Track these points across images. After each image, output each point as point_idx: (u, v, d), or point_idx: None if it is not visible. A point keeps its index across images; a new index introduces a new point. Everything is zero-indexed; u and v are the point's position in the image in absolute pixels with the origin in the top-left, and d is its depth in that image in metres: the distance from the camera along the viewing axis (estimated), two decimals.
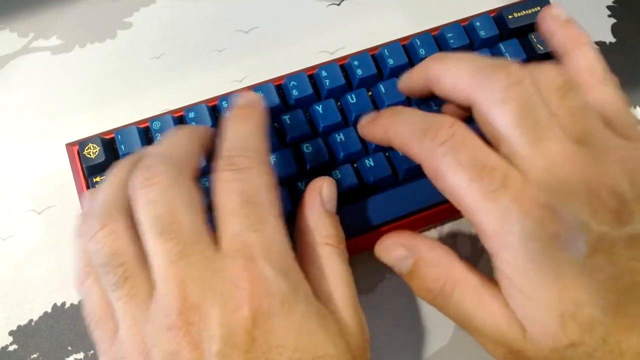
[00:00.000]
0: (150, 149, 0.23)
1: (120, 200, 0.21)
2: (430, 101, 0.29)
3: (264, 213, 0.20)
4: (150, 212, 0.19)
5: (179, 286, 0.18)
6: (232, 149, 0.22)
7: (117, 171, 0.22)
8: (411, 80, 0.26)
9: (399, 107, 0.25)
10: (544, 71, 0.22)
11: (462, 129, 0.21)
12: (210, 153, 0.24)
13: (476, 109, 0.22)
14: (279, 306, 0.19)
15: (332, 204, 0.24)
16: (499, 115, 0.20)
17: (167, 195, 0.20)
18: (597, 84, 0.23)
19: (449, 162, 0.20)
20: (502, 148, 0.21)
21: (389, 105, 0.29)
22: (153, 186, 0.20)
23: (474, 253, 0.30)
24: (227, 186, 0.21)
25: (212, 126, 0.29)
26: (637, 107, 0.34)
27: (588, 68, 0.23)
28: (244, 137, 0.22)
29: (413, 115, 0.23)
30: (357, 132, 0.29)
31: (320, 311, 0.20)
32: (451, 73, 0.23)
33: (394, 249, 0.23)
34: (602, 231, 0.18)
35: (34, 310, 0.29)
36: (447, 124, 0.21)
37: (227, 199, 0.20)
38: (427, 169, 0.22)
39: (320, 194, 0.24)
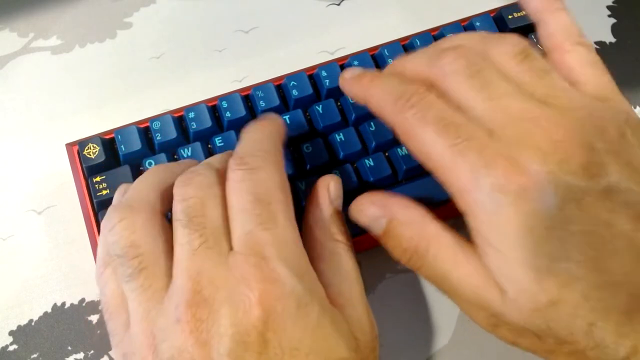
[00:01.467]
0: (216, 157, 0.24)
1: (148, 197, 0.22)
2: None
3: (275, 212, 0.21)
4: (183, 206, 0.20)
5: (193, 279, 0.19)
6: (245, 149, 0.22)
7: (152, 171, 0.24)
8: (354, 91, 0.26)
9: (382, 72, 0.25)
10: (501, 41, 0.22)
11: (432, 95, 0.21)
12: None
13: (437, 89, 0.22)
14: (293, 308, 0.19)
15: (339, 201, 0.24)
16: (452, 85, 0.21)
17: (200, 193, 0.21)
18: (571, 46, 0.23)
19: (417, 120, 0.21)
20: (467, 114, 0.21)
21: None
22: (191, 184, 0.21)
23: None
24: (238, 185, 0.21)
25: (211, 126, 0.29)
26: (638, 107, 0.34)
27: (562, 32, 0.23)
28: (257, 140, 0.23)
29: (391, 81, 0.23)
30: (357, 132, 0.29)
31: (333, 313, 0.20)
32: (411, 65, 0.24)
33: (367, 208, 0.23)
34: (571, 181, 0.18)
35: (33, 310, 0.29)
36: (420, 90, 0.22)
37: (238, 197, 0.21)
38: (399, 129, 0.22)
39: (328, 192, 0.24)
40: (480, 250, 0.20)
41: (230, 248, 0.20)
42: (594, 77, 0.22)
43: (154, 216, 0.21)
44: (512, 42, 0.22)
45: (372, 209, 0.23)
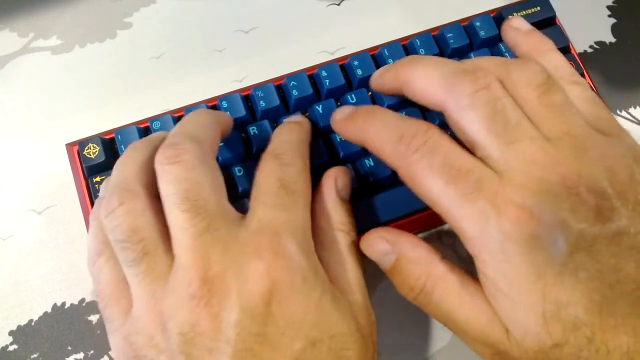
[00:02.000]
0: (175, 128, 0.23)
1: (141, 177, 0.21)
2: None
3: (297, 200, 0.22)
4: (177, 188, 0.20)
5: (203, 257, 0.19)
6: (279, 147, 0.23)
7: (137, 147, 0.23)
8: (382, 82, 0.26)
9: (374, 108, 0.24)
10: (523, 68, 0.22)
11: (436, 134, 0.21)
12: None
13: (447, 115, 0.22)
14: (300, 283, 0.19)
15: (346, 192, 0.25)
16: (468, 121, 0.21)
17: (194, 173, 0.20)
18: (569, 85, 0.23)
19: (423, 167, 0.21)
20: (477, 152, 0.21)
21: (389, 106, 0.29)
22: (180, 163, 0.20)
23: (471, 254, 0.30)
24: (269, 172, 0.22)
25: None
26: (637, 107, 0.34)
27: (556, 72, 0.23)
28: (289, 142, 0.24)
29: (388, 119, 0.23)
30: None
31: (334, 292, 0.21)
32: (421, 78, 0.23)
33: (377, 243, 0.23)
34: (582, 229, 0.18)
35: (33, 310, 0.29)
36: (421, 130, 0.21)
37: (267, 181, 0.22)
38: (403, 175, 0.22)
39: (335, 182, 0.25)
40: (487, 292, 0.20)
41: (240, 223, 0.20)
42: (595, 114, 0.22)
43: (151, 198, 0.21)
44: (534, 71, 0.21)
45: (381, 245, 0.23)
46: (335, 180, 0.25)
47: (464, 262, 0.29)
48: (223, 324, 0.18)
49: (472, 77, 0.21)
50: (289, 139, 0.24)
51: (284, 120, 0.27)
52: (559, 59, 0.24)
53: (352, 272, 0.23)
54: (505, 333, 0.20)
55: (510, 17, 0.30)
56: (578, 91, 0.23)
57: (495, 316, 0.20)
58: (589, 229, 0.18)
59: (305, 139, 0.25)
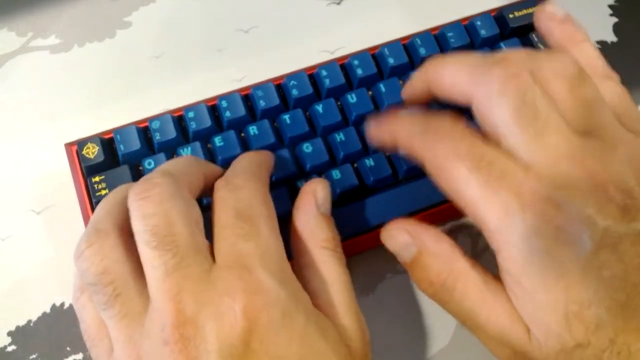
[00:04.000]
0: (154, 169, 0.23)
1: (115, 215, 0.20)
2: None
3: (257, 224, 0.20)
4: (146, 224, 0.19)
5: (175, 299, 0.18)
6: (231, 173, 0.23)
7: (118, 189, 0.22)
8: (413, 86, 0.26)
9: (400, 111, 0.24)
10: (554, 60, 0.21)
11: (462, 125, 0.21)
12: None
13: (475, 106, 0.21)
14: (279, 317, 0.18)
15: (326, 206, 0.24)
16: (496, 110, 0.20)
17: (163, 208, 0.19)
18: (600, 79, 0.22)
19: (448, 154, 0.20)
20: (502, 144, 0.20)
21: (389, 105, 0.29)
22: (150, 198, 0.19)
23: (474, 253, 0.30)
24: (222, 203, 0.21)
25: (211, 126, 0.29)
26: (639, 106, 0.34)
27: (588, 65, 0.22)
28: (244, 166, 0.23)
29: (414, 117, 0.23)
30: (357, 132, 0.28)
31: (320, 320, 0.20)
32: (449, 73, 0.22)
33: (399, 234, 0.23)
34: (608, 226, 0.18)
35: (32, 310, 0.29)
36: (447, 122, 0.21)
37: (223, 214, 0.20)
38: (429, 165, 0.21)
39: (315, 196, 0.23)
40: (508, 289, 0.20)
41: (213, 261, 0.19)
42: (624, 111, 0.21)
43: (121, 237, 0.20)
44: (565, 63, 0.21)
45: (403, 236, 0.23)
46: (314, 194, 0.23)
47: None
48: None
49: (501, 66, 0.21)
50: (241, 164, 0.24)
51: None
52: (593, 50, 0.23)
53: (340, 294, 0.21)
54: (526, 333, 0.19)
55: (542, 3, 0.29)
56: (609, 86, 0.22)
57: (517, 315, 0.19)
58: (614, 227, 0.18)
59: (263, 164, 0.24)
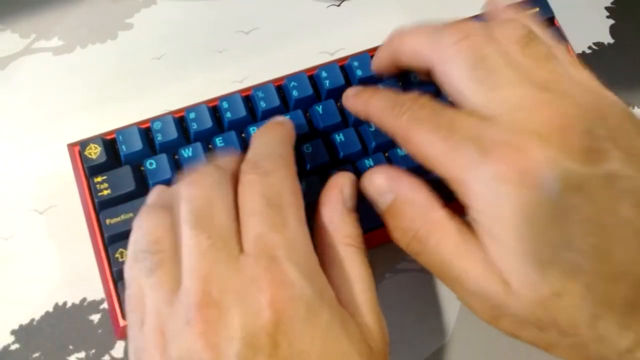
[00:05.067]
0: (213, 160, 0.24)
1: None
2: None
3: (286, 215, 0.20)
4: (189, 206, 0.20)
5: (203, 281, 0.19)
6: (257, 154, 0.23)
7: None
8: (379, 57, 0.27)
9: (379, 88, 0.26)
10: (504, 26, 0.22)
11: (425, 97, 0.22)
12: None
13: (434, 72, 0.22)
14: (304, 311, 0.18)
15: (352, 202, 0.24)
16: (453, 72, 0.21)
17: (208, 193, 0.20)
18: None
19: (411, 121, 0.21)
20: (463, 104, 0.21)
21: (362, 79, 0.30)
22: (198, 184, 0.21)
23: None
24: (250, 189, 0.21)
25: (212, 127, 0.29)
26: (636, 107, 0.34)
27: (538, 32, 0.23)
28: (270, 145, 0.23)
29: (387, 93, 0.24)
30: (356, 133, 0.29)
31: (343, 316, 0.20)
32: (409, 41, 0.24)
33: (377, 178, 0.23)
34: (571, 167, 0.18)
35: (35, 309, 0.29)
36: (414, 96, 0.22)
37: (250, 200, 0.21)
38: (398, 137, 0.22)
39: (342, 192, 0.23)
40: (482, 241, 0.20)
41: (241, 250, 0.20)
42: (578, 72, 0.22)
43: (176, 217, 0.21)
44: (516, 26, 0.22)
45: (381, 181, 0.23)
46: (341, 189, 0.23)
47: None
48: (223, 355, 0.17)
49: (456, 28, 0.22)
50: (266, 142, 0.23)
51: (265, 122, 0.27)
52: (538, 25, 0.24)
53: (364, 291, 0.21)
54: (502, 285, 0.19)
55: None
56: (560, 51, 0.22)
57: (492, 267, 0.19)
58: (579, 169, 0.18)
59: (288, 140, 0.24)
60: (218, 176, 0.21)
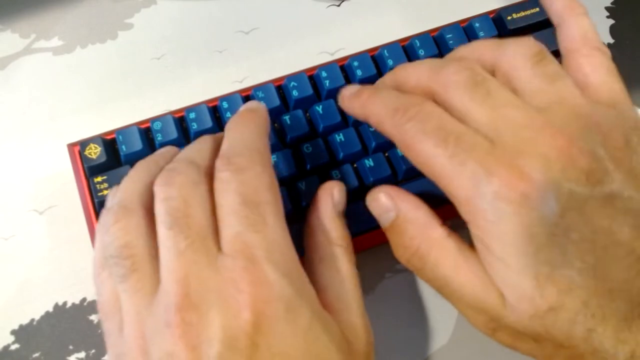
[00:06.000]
0: (179, 153, 0.24)
1: (141, 196, 0.22)
2: None
3: (264, 213, 0.20)
4: (166, 206, 0.20)
5: (182, 282, 0.19)
6: (231, 149, 0.22)
7: (139, 168, 0.23)
8: (383, 82, 0.26)
9: (378, 87, 0.25)
10: (516, 44, 0.22)
11: (430, 105, 0.22)
12: None
13: (437, 98, 0.22)
14: (283, 312, 0.19)
15: (342, 207, 0.25)
16: (455, 98, 0.21)
17: (183, 193, 0.20)
18: (589, 51, 0.23)
19: (415, 132, 0.21)
20: (468, 123, 0.21)
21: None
22: (173, 184, 0.21)
23: None
24: (226, 186, 0.21)
25: (212, 127, 0.29)
26: (636, 107, 0.34)
27: (581, 36, 0.23)
28: (244, 138, 0.23)
29: (389, 94, 0.24)
30: (356, 133, 0.29)
31: (323, 316, 0.20)
32: (413, 75, 0.24)
33: (381, 197, 0.24)
34: (573, 189, 0.18)
35: (35, 309, 0.29)
36: (416, 101, 0.22)
37: (226, 199, 0.20)
38: (398, 142, 0.22)
39: (332, 197, 0.24)
40: (481, 256, 0.20)
41: (219, 249, 0.20)
42: (607, 83, 0.22)
43: (146, 216, 0.21)
44: (526, 45, 0.22)
45: (384, 200, 0.23)
46: (331, 194, 0.24)
47: None
48: (203, 356, 0.17)
49: (454, 63, 0.22)
50: (240, 135, 0.23)
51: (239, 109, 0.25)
52: (588, 23, 0.24)
53: (350, 291, 0.22)
54: (500, 298, 0.19)
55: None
56: (597, 57, 0.22)
57: (490, 281, 0.20)
58: (580, 189, 0.18)
59: (262, 130, 0.24)
60: (193, 174, 0.21)
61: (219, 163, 0.21)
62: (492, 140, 0.20)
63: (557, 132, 0.19)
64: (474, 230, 0.20)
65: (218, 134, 0.25)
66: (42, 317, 0.29)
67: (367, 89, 0.25)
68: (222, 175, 0.21)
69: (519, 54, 0.22)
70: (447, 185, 0.20)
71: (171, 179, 0.21)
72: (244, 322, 0.18)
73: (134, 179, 0.23)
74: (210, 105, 0.30)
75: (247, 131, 0.23)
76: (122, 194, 0.22)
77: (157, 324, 0.18)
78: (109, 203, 0.24)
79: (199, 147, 0.24)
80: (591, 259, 0.18)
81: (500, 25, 0.31)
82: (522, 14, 0.31)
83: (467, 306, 0.21)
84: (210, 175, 0.22)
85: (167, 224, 0.20)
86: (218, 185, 0.21)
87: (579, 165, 0.18)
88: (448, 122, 0.21)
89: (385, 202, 0.23)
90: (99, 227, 0.22)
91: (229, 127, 0.23)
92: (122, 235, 0.20)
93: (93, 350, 0.29)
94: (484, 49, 0.23)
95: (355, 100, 0.25)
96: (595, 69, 0.22)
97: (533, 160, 0.19)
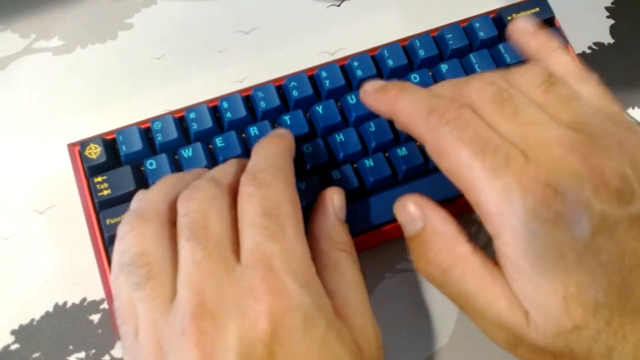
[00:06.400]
0: (206, 174, 0.24)
1: (159, 205, 0.22)
2: None
3: (284, 225, 0.21)
4: (185, 220, 0.20)
5: (198, 291, 0.19)
6: (257, 166, 0.23)
7: (165, 180, 0.24)
8: (379, 105, 0.25)
9: (407, 83, 0.24)
10: (523, 74, 0.22)
11: (468, 111, 0.21)
12: None
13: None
14: (301, 322, 0.19)
15: (342, 213, 0.25)
16: (482, 111, 0.21)
17: (202, 207, 0.21)
18: (576, 83, 0.23)
19: (453, 139, 0.20)
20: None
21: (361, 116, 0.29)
22: (194, 200, 0.21)
23: None
24: (249, 200, 0.21)
25: (212, 127, 0.29)
26: (636, 107, 0.34)
27: (565, 70, 0.23)
28: (269, 157, 0.23)
29: (421, 94, 0.23)
30: (356, 133, 0.29)
31: (337, 325, 0.20)
32: (435, 90, 0.23)
33: (409, 206, 0.23)
34: (605, 210, 0.18)
35: (35, 309, 0.29)
36: (454, 106, 0.21)
37: (248, 211, 0.21)
38: (431, 146, 0.21)
39: (333, 203, 0.24)
40: (507, 274, 0.20)
41: (238, 261, 0.20)
42: (606, 108, 0.22)
43: (164, 226, 0.21)
44: (534, 73, 0.22)
45: (413, 209, 0.23)
46: (331, 200, 0.24)
47: None
48: None
49: (478, 79, 0.22)
50: (266, 154, 0.24)
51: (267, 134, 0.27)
52: (566, 57, 0.24)
53: (356, 295, 0.22)
54: (524, 316, 0.19)
55: (514, 19, 0.30)
56: (587, 89, 0.22)
57: (515, 299, 0.20)
58: (611, 211, 0.18)
59: (287, 152, 0.25)
60: (213, 189, 0.22)
61: (244, 179, 0.22)
62: (526, 153, 0.20)
63: (586, 151, 0.19)
64: (501, 246, 0.20)
65: (244, 159, 0.25)
66: (42, 317, 0.29)
67: (394, 85, 0.24)
68: (246, 190, 0.22)
69: (527, 83, 0.22)
70: (477, 197, 0.20)
71: (192, 194, 0.21)
72: (261, 331, 0.18)
73: (157, 190, 0.23)
74: (211, 105, 0.30)
75: (272, 151, 0.24)
76: (140, 203, 0.23)
77: (173, 332, 0.19)
78: (131, 207, 0.24)
79: (225, 168, 0.24)
80: (617, 280, 0.18)
81: (500, 25, 0.31)
82: (523, 14, 0.31)
83: (488, 322, 0.21)
84: (234, 192, 0.22)
85: (185, 236, 0.20)
86: (241, 199, 0.21)
87: (611, 186, 0.18)
88: (486, 132, 0.20)
89: (413, 211, 0.23)
90: (117, 232, 0.22)
91: (256, 148, 0.24)
92: (138, 242, 0.21)
93: (93, 350, 0.29)
94: (494, 74, 0.23)
95: (381, 96, 0.24)
96: (590, 99, 0.22)
97: (567, 179, 0.19)
